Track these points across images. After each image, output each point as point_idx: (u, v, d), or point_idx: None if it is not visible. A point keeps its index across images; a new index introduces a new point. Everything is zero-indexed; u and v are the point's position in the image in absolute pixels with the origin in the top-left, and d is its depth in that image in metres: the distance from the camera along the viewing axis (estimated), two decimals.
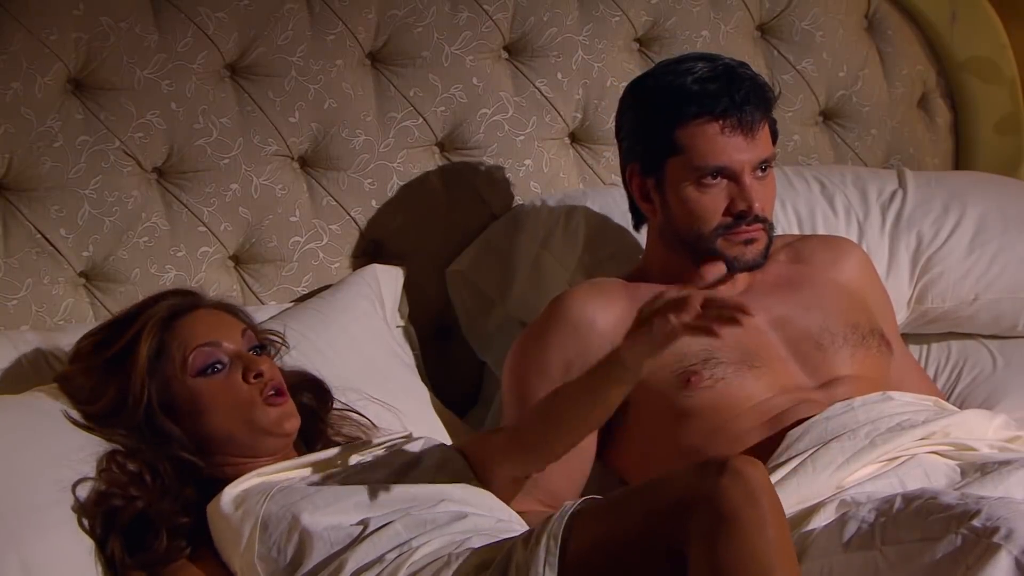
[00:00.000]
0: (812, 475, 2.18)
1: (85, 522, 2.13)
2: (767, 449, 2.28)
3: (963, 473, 2.21)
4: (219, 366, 2.18)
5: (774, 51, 3.05)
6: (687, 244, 2.44)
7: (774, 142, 2.46)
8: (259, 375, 2.17)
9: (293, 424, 2.19)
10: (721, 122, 2.39)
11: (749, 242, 2.42)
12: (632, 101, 2.50)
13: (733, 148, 2.39)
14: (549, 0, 2.89)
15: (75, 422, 2.22)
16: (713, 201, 2.41)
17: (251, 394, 2.17)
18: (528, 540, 1.88)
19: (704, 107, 2.39)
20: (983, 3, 3.16)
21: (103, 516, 2.13)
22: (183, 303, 2.25)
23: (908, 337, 2.76)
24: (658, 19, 2.97)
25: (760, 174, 2.42)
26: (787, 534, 1.82)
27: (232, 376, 2.18)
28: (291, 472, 2.16)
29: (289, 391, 2.25)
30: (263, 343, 2.27)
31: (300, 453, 2.26)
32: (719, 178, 2.40)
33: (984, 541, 1.86)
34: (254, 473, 2.14)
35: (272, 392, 2.17)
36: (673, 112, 2.41)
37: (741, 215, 2.40)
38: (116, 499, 2.13)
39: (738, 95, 2.39)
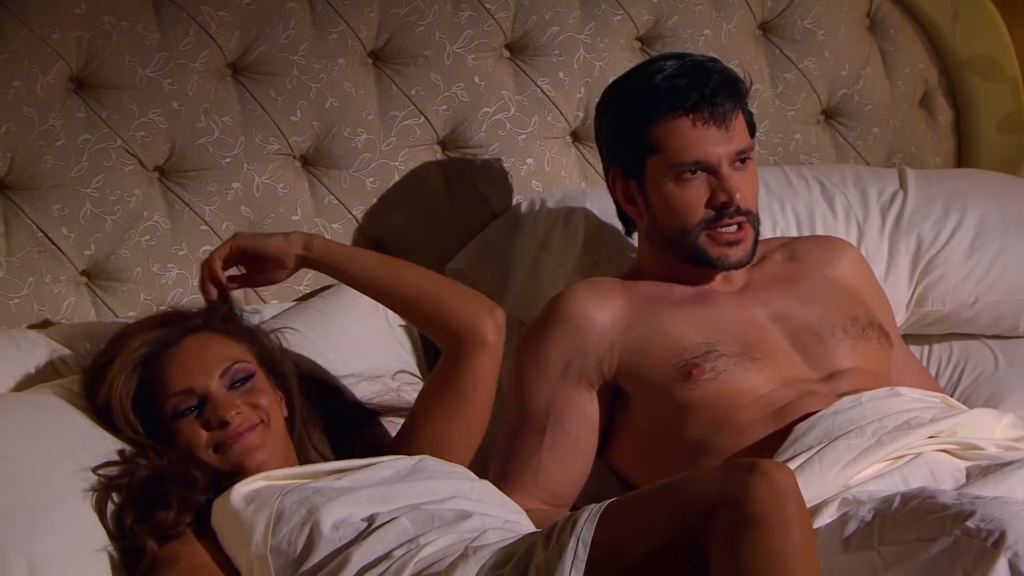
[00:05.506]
0: (819, 473, 2.17)
1: (94, 513, 2.13)
2: (772, 442, 2.28)
3: (968, 475, 2.20)
4: (191, 410, 2.20)
5: (776, 50, 3.05)
6: (673, 243, 2.44)
7: (752, 134, 2.47)
8: (223, 424, 2.18)
9: (257, 458, 2.18)
10: (692, 116, 2.39)
11: (733, 243, 2.42)
12: (607, 106, 2.52)
13: (707, 141, 2.40)
14: None
15: (80, 416, 2.23)
16: (694, 196, 2.41)
17: (211, 441, 2.18)
18: (549, 538, 1.88)
19: (674, 103, 2.40)
20: (985, 2, 3.16)
21: (115, 489, 2.14)
22: (165, 337, 2.25)
23: (909, 336, 2.76)
24: (660, 18, 2.97)
25: (739, 165, 2.42)
26: (811, 539, 1.82)
27: (200, 419, 2.19)
28: (298, 480, 2.16)
29: (289, 395, 2.29)
30: (248, 373, 2.24)
31: (304, 457, 2.28)
32: (698, 172, 2.41)
33: (978, 543, 1.86)
34: (261, 476, 2.15)
35: (231, 435, 2.18)
36: (645, 111, 2.42)
37: (723, 207, 2.40)
38: (124, 477, 2.15)
39: (707, 88, 2.39)
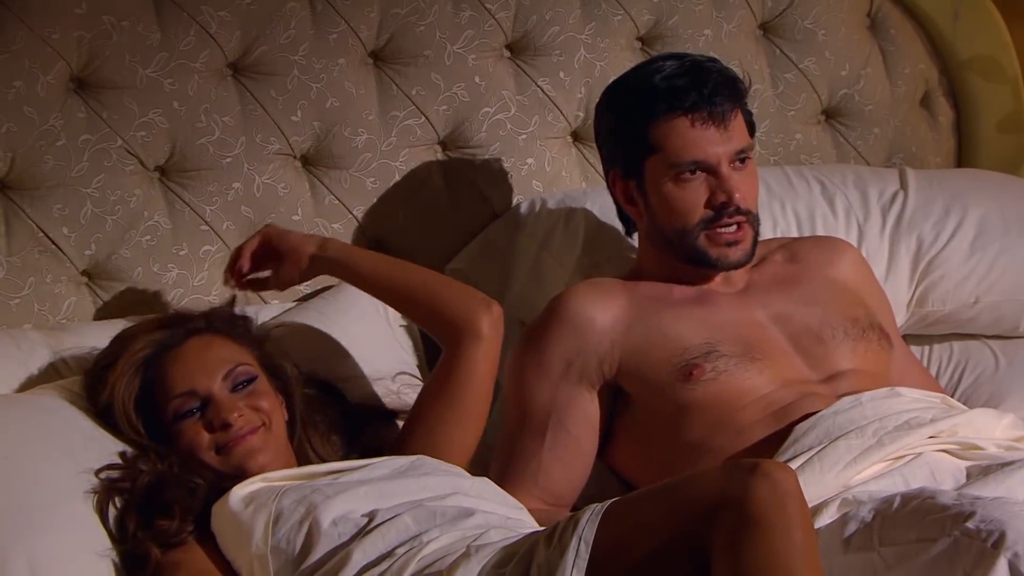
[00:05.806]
0: (819, 474, 2.17)
1: (96, 515, 2.14)
2: (772, 443, 2.28)
3: (969, 475, 2.20)
4: (193, 411, 2.21)
5: (776, 50, 3.05)
6: (672, 243, 2.44)
7: (752, 134, 2.47)
8: (225, 426, 2.19)
9: (259, 460, 2.19)
10: (691, 116, 2.39)
11: (732, 244, 2.42)
12: (606, 107, 2.52)
13: (706, 141, 2.40)
14: None
15: (82, 417, 2.23)
16: (693, 196, 2.41)
17: (212, 443, 2.20)
18: (551, 538, 1.88)
19: (673, 103, 2.40)
20: (985, 2, 3.16)
21: (117, 494, 2.15)
22: (168, 338, 2.26)
23: (909, 337, 2.76)
24: (660, 18, 2.97)
25: (739, 165, 2.42)
26: (813, 539, 1.82)
27: (202, 421, 2.20)
28: (296, 480, 2.17)
29: (290, 399, 2.29)
30: (251, 376, 2.25)
31: (303, 461, 2.28)
32: (697, 172, 2.41)
33: (978, 544, 1.87)
34: (259, 478, 2.16)
35: (233, 437, 2.18)
36: (644, 112, 2.42)
37: (722, 207, 2.40)
38: (126, 481, 2.15)
39: (706, 88, 2.40)
